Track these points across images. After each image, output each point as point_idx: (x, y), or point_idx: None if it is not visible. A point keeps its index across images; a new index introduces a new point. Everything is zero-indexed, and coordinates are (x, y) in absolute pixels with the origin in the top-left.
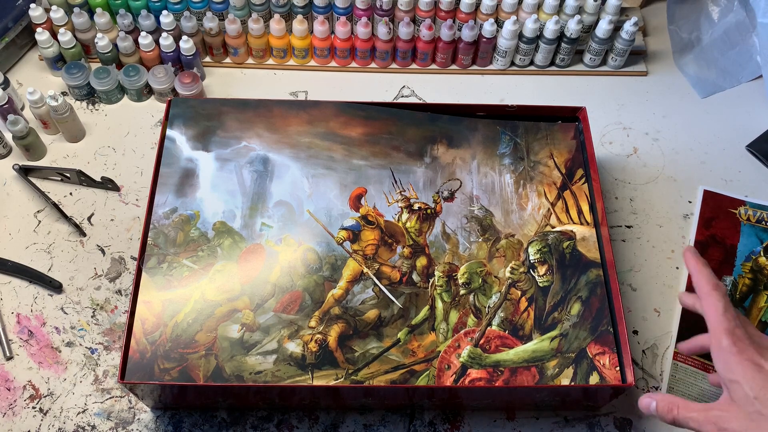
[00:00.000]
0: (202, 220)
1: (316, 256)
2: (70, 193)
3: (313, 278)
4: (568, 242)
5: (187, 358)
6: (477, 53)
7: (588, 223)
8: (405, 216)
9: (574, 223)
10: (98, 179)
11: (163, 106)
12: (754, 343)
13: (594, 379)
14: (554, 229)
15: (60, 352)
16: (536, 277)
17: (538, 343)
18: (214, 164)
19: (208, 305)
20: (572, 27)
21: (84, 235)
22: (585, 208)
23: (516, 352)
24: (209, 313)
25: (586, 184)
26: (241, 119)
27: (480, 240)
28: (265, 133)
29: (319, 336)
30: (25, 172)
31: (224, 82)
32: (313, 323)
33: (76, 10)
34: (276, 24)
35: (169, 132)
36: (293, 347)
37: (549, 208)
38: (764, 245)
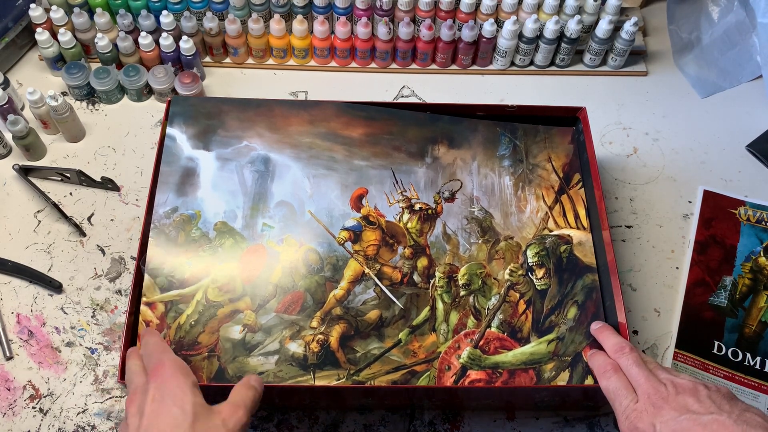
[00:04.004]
0: (203, 220)
1: (317, 257)
2: (70, 193)
3: (315, 279)
4: (565, 246)
5: (190, 360)
6: (477, 53)
7: (584, 228)
8: (406, 216)
9: (570, 227)
10: (98, 179)
11: (163, 106)
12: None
13: (589, 383)
14: (552, 233)
15: (60, 352)
16: (534, 280)
17: (536, 346)
18: (215, 163)
19: (210, 306)
20: (572, 27)
21: (84, 235)
22: (582, 212)
23: (514, 354)
24: (211, 314)
25: (583, 189)
26: (242, 118)
27: (480, 241)
28: (266, 132)
29: (320, 336)
30: (25, 172)
31: (224, 82)
32: (314, 324)
33: (76, 10)
34: (276, 24)
35: (169, 130)
36: (295, 348)
37: (546, 212)
38: (764, 245)
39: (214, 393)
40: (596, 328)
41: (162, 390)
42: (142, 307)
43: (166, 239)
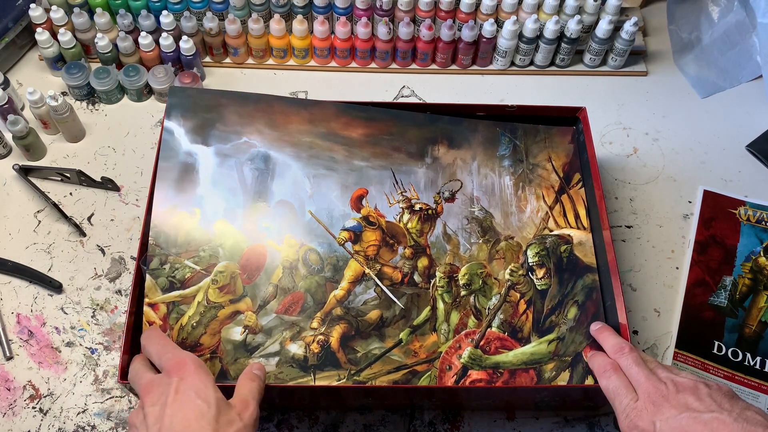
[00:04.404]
0: (202, 219)
1: (317, 257)
2: (70, 193)
3: (315, 279)
4: (566, 246)
5: None
6: (477, 53)
7: (585, 228)
8: (406, 217)
9: (570, 227)
10: (98, 179)
11: (163, 106)
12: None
13: (589, 383)
14: (552, 233)
15: (60, 352)
16: (534, 280)
17: (536, 346)
18: (214, 159)
19: (211, 307)
20: (572, 27)
21: (84, 235)
22: (582, 212)
23: (515, 354)
24: (212, 315)
25: (583, 189)
26: (242, 113)
27: (480, 241)
28: (265, 129)
29: (321, 337)
30: (25, 172)
31: (224, 82)
32: (315, 324)
33: (76, 10)
34: (276, 24)
35: (167, 123)
36: (295, 349)
37: (547, 212)
38: (764, 245)
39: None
40: (596, 329)
41: (186, 384)
42: (145, 309)
43: (165, 240)
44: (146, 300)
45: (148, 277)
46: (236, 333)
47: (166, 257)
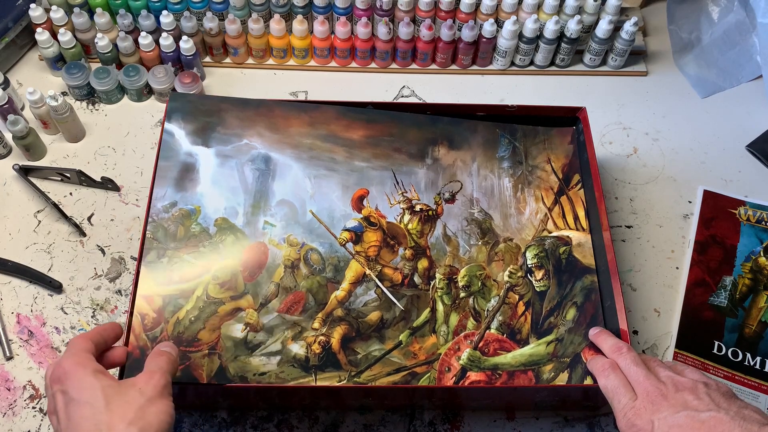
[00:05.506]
0: (203, 216)
1: (319, 257)
2: (70, 193)
3: (317, 279)
4: (565, 248)
5: (189, 357)
6: (477, 53)
7: (584, 229)
8: (407, 217)
9: (570, 228)
10: (98, 179)
11: (163, 106)
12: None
13: (588, 383)
14: (551, 235)
15: (60, 352)
16: (533, 282)
17: (535, 348)
18: (215, 160)
19: (211, 303)
20: (572, 27)
21: (84, 235)
22: (581, 214)
23: (513, 356)
24: (212, 311)
25: (582, 190)
26: (242, 117)
27: (479, 243)
28: (266, 132)
29: (322, 338)
30: (25, 172)
31: (224, 82)
32: (316, 325)
33: (76, 10)
34: (276, 24)
35: (167, 126)
36: (297, 349)
37: (546, 213)
38: (764, 245)
39: (213, 393)
40: (594, 333)
41: (65, 390)
42: (138, 300)
43: (164, 234)
44: (139, 291)
45: (143, 268)
46: (237, 330)
47: (164, 251)
